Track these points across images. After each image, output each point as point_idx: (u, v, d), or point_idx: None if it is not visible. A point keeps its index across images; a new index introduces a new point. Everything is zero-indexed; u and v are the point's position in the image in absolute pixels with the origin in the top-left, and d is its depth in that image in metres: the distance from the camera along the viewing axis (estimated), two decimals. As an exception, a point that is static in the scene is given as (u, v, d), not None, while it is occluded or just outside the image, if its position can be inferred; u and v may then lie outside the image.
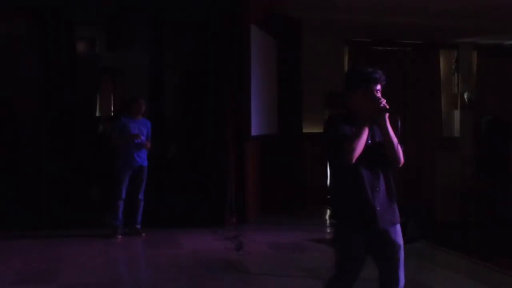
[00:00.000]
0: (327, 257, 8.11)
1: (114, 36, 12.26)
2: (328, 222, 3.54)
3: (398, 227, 4.14)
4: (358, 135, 3.91)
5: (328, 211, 3.91)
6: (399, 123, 3.96)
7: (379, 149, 4.02)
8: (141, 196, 9.04)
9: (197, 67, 10.30)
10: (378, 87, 4.08)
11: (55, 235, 8.99)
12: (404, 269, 4.16)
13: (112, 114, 12.91)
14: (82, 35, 11.66)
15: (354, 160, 3.89)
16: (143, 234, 9.02)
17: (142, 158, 8.97)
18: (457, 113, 13.91)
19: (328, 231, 10.27)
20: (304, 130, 12.35)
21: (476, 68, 13.95)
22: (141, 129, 8.97)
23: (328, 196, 4.20)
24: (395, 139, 3.97)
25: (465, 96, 13.68)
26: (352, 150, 3.86)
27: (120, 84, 13.31)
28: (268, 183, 11.00)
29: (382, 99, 3.98)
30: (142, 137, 8.92)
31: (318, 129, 12.55)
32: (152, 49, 11.03)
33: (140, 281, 7.10)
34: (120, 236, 8.91)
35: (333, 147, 4.00)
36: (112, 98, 13.36)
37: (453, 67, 13.85)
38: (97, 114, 12.90)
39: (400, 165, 4.04)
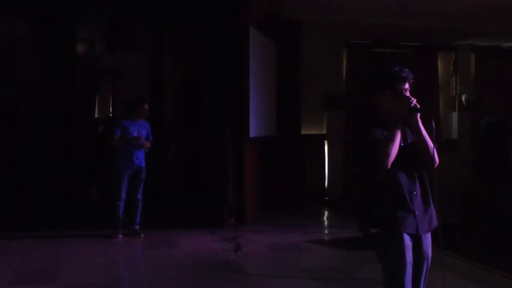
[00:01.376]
0: (326, 258, 8.20)
1: (114, 37, 12.27)
2: (359, 233, 3.41)
3: (429, 235, 4.02)
4: (391, 138, 3.79)
5: (360, 222, 3.51)
6: (433, 123, 3.85)
7: (412, 151, 3.91)
8: (139, 197, 9.08)
9: (197, 69, 10.35)
10: (406, 86, 3.92)
11: (55, 235, 9.03)
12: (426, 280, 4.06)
13: (111, 115, 12.94)
14: (82, 36, 11.67)
15: (390, 164, 3.75)
16: (142, 235, 9.05)
17: (140, 159, 9.03)
18: (455, 115, 13.96)
19: (326, 232, 10.33)
20: (303, 132, 12.39)
21: (474, 70, 14.00)
22: (140, 131, 9.02)
23: (361, 205, 3.82)
24: (429, 139, 3.87)
25: (463, 98, 13.74)
26: (388, 154, 3.73)
27: (120, 85, 13.34)
28: (266, 184, 11.04)
29: (413, 99, 3.83)
30: (141, 138, 8.99)
31: (316, 131, 12.65)
32: (151, 50, 11.06)
33: (140, 281, 7.13)
34: (121, 236, 8.96)
35: (368, 153, 3.84)
36: (111, 99, 13.38)
37: (451, 69, 13.90)
38: (97, 115, 12.92)
39: (435, 166, 3.92)
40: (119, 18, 11.40)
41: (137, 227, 9.10)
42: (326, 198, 12.72)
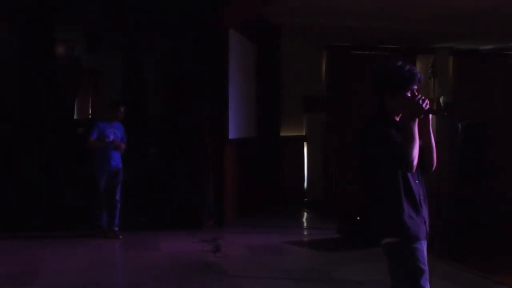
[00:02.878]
0: (305, 259, 8.24)
1: (93, 39, 12.23)
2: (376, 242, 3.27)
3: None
4: (413, 139, 3.58)
5: (373, 232, 3.33)
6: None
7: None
8: (117, 198, 9.09)
9: (176, 71, 10.34)
10: (415, 86, 3.77)
11: (33, 237, 8.98)
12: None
13: (90, 116, 12.88)
14: (61, 37, 11.62)
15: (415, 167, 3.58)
16: (120, 237, 9.04)
17: (117, 161, 9.07)
18: (433, 118, 14.02)
19: (306, 233, 10.37)
20: (282, 133, 12.44)
21: (452, 73, 14.11)
22: (116, 133, 9.07)
23: (372, 212, 3.54)
24: (433, 142, 3.78)
25: (441, 101, 13.83)
26: (414, 157, 3.54)
27: (99, 87, 13.28)
28: (246, 186, 11.06)
29: (426, 100, 3.66)
30: (117, 141, 9.04)
31: (296, 133, 12.69)
32: (131, 53, 11.05)
33: (119, 284, 7.13)
34: (104, 236, 8.99)
35: (387, 155, 3.63)
36: (91, 101, 13.31)
37: (430, 71, 13.95)
38: (76, 116, 12.86)
39: (433, 170, 3.82)
40: (99, 20, 11.37)
41: (116, 228, 9.09)
42: (306, 199, 12.77)
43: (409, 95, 3.71)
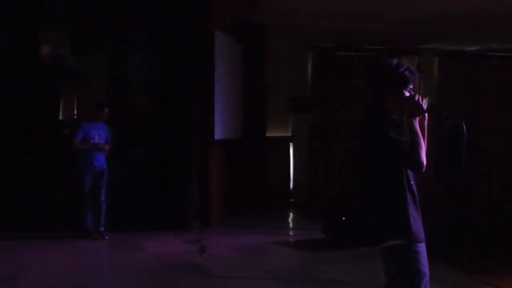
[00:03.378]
0: (290, 260, 8.26)
1: (79, 39, 12.20)
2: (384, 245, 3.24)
3: None
4: (419, 139, 3.58)
5: (378, 234, 3.31)
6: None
7: None
8: (103, 198, 9.10)
9: (163, 71, 10.33)
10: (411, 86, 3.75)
11: (17, 238, 8.94)
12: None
13: (75, 117, 12.83)
14: (46, 38, 11.59)
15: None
16: (106, 237, 9.03)
17: (101, 161, 9.09)
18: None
19: (291, 233, 10.39)
20: (268, 134, 12.45)
21: (437, 74, 14.18)
22: (100, 133, 9.10)
23: (374, 214, 3.69)
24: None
25: (426, 101, 13.89)
26: (423, 156, 3.53)
27: (85, 88, 13.23)
28: (232, 187, 11.06)
29: (424, 99, 3.67)
30: (101, 141, 9.06)
31: (282, 133, 12.71)
32: (117, 54, 11.04)
33: (104, 285, 7.10)
34: (87, 237, 8.98)
35: (397, 156, 3.59)
36: (76, 102, 13.27)
37: (415, 72, 14.04)
38: (61, 117, 12.81)
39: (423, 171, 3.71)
40: (85, 20, 11.34)
41: (102, 228, 9.08)
42: (291, 200, 12.78)
43: (407, 94, 3.70)
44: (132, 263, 7.71)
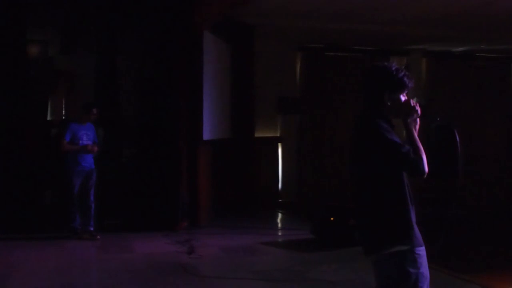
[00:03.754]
0: (279, 260, 8.27)
1: (67, 39, 12.18)
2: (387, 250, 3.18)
3: None
4: (419, 143, 3.56)
5: (380, 240, 3.52)
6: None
7: None
8: (92, 199, 9.10)
9: (151, 71, 10.33)
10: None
11: (6, 239, 8.90)
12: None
13: (64, 117, 12.81)
14: (34, 38, 11.57)
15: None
16: (98, 237, 9.04)
17: (89, 162, 9.12)
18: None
19: (280, 234, 10.40)
20: (257, 134, 12.46)
21: (425, 74, 14.23)
22: (88, 134, 9.12)
23: (374, 219, 3.56)
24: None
25: (414, 101, 13.94)
26: (424, 160, 3.50)
27: (73, 88, 13.22)
28: (221, 187, 11.07)
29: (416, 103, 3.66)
30: (89, 142, 9.07)
31: (270, 134, 12.72)
32: (105, 53, 11.01)
33: (92, 285, 7.09)
34: (76, 238, 8.97)
35: (402, 160, 3.49)
36: (64, 102, 13.26)
37: (403, 73, 14.07)
38: (50, 117, 12.79)
39: None
40: (72, 20, 11.32)
41: (92, 228, 9.09)
42: (280, 200, 12.79)
43: (403, 97, 3.67)
44: (121, 264, 7.70)
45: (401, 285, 3.54)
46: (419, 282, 3.52)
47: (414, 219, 3.56)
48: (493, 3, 9.44)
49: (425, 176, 3.51)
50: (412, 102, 3.66)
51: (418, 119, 3.69)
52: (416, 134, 3.61)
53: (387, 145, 3.50)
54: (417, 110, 3.63)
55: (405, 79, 3.66)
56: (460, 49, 14.21)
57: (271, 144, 12.87)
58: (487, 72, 14.53)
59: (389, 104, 3.64)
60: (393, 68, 3.67)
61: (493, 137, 14.40)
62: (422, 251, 3.56)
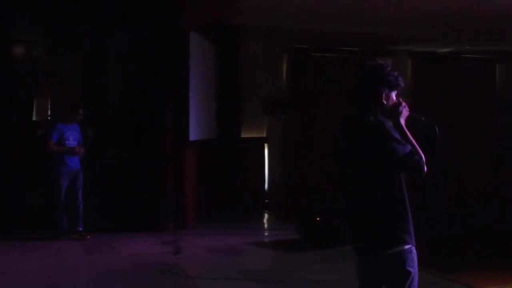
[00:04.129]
0: (265, 260, 8.29)
1: (53, 40, 12.13)
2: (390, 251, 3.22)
3: None
4: (414, 142, 3.58)
5: (385, 241, 3.51)
6: None
7: None
8: (80, 199, 9.11)
9: (137, 73, 10.32)
10: None
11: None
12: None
13: (49, 118, 12.76)
14: (20, 38, 11.51)
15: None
16: (88, 237, 9.06)
17: (75, 162, 9.14)
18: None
19: (266, 234, 10.42)
20: (243, 135, 12.46)
21: (411, 75, 14.28)
22: (74, 134, 9.14)
23: (377, 221, 3.53)
24: None
25: (402, 101, 13.97)
26: (424, 160, 3.53)
27: (59, 88, 13.17)
28: (207, 188, 11.06)
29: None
30: (75, 142, 9.09)
31: (256, 134, 12.72)
32: (91, 54, 11.00)
33: (77, 287, 7.08)
34: (63, 238, 8.98)
35: (408, 161, 3.49)
36: (49, 102, 13.20)
37: (389, 73, 14.10)
38: (35, 118, 12.74)
39: None
40: (59, 20, 11.28)
41: (81, 228, 9.12)
42: (266, 201, 12.80)
43: (394, 97, 3.68)
44: (106, 265, 7.69)
45: (400, 285, 3.56)
46: (414, 281, 3.57)
47: (410, 219, 3.57)
48: (477, 5, 9.50)
49: (424, 174, 3.51)
50: (402, 101, 3.67)
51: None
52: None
53: (394, 146, 3.49)
54: (407, 110, 3.66)
55: (400, 78, 3.67)
56: (445, 50, 14.27)
57: (258, 145, 12.86)
58: (472, 73, 14.61)
59: (385, 103, 3.64)
60: (388, 68, 3.67)
61: (478, 137, 14.49)
62: (414, 249, 3.59)
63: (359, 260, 3.75)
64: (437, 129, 3.78)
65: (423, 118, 3.78)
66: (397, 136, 3.51)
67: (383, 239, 3.54)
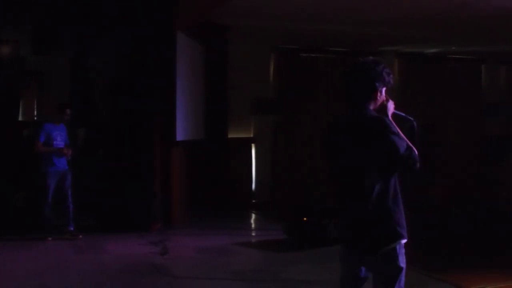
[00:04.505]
0: (253, 260, 8.29)
1: (39, 39, 12.08)
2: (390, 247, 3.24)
3: None
4: (405, 137, 3.58)
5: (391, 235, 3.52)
6: None
7: None
8: (70, 199, 9.10)
9: (124, 73, 10.29)
10: None
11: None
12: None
13: (36, 118, 12.71)
14: (5, 37, 11.46)
15: None
16: (80, 236, 9.06)
17: (63, 163, 9.11)
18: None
19: (254, 234, 10.42)
20: (230, 135, 12.46)
21: (398, 75, 14.32)
22: (62, 135, 9.12)
23: (374, 218, 3.51)
24: None
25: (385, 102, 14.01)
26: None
27: (45, 88, 13.12)
28: (194, 188, 11.04)
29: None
30: (62, 142, 9.07)
31: (244, 134, 12.73)
32: (78, 54, 10.96)
33: (64, 287, 7.05)
34: (50, 239, 8.96)
35: (408, 156, 3.52)
36: (35, 103, 13.15)
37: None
38: (21, 118, 12.68)
39: None
40: (45, 20, 11.24)
41: (72, 228, 9.11)
42: (253, 201, 12.80)
43: (384, 93, 3.70)
44: (94, 265, 7.66)
45: (392, 280, 3.59)
46: (403, 276, 3.60)
47: (403, 213, 3.60)
48: (464, 7, 9.54)
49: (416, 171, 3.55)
50: (389, 99, 3.70)
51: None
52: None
53: (397, 141, 3.50)
54: (393, 107, 3.70)
55: (391, 75, 3.70)
56: (432, 50, 14.33)
57: (245, 145, 12.87)
58: (459, 73, 14.69)
59: (378, 99, 3.66)
60: (383, 64, 3.69)
61: (464, 137, 14.56)
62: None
63: (350, 257, 3.75)
64: (416, 128, 3.77)
65: (411, 119, 3.80)
66: (397, 131, 3.52)
67: (382, 236, 3.55)
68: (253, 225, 11.37)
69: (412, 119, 3.80)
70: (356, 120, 3.65)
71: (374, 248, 3.56)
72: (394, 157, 3.50)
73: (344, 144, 3.69)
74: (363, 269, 3.75)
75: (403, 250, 3.59)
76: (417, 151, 3.54)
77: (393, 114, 3.74)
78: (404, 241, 3.58)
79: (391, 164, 3.55)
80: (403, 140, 3.51)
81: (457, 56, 14.78)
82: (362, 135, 3.58)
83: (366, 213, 3.56)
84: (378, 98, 3.66)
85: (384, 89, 3.68)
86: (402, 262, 3.58)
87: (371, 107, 3.65)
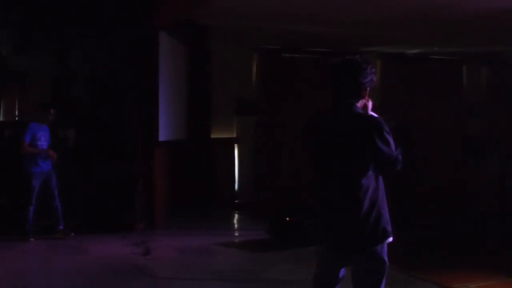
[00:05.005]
0: (235, 260, 8.29)
1: (20, 39, 11.99)
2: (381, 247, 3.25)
3: None
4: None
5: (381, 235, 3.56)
6: None
7: None
8: (57, 199, 9.12)
9: (106, 73, 10.26)
10: None
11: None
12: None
13: (17, 118, 12.61)
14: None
15: None
16: (72, 234, 9.11)
17: (47, 163, 9.07)
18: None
19: (236, 234, 10.42)
20: (213, 135, 12.47)
21: (379, 76, 14.39)
22: (45, 135, 9.09)
23: (364, 219, 3.52)
24: None
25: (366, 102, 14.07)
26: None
27: (26, 88, 13.03)
28: (177, 188, 11.03)
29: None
30: (45, 143, 9.05)
31: (226, 134, 12.73)
32: (60, 54, 10.90)
33: (46, 289, 7.02)
34: (32, 240, 8.91)
35: (397, 157, 3.60)
36: (17, 102, 13.05)
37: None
38: (2, 118, 12.58)
39: None
40: (27, 19, 11.16)
41: (61, 227, 9.13)
42: (236, 201, 12.81)
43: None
44: (75, 266, 7.63)
45: (378, 277, 3.64)
46: (386, 269, 3.66)
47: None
48: (445, 8, 9.60)
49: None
50: (369, 98, 3.73)
51: None
52: None
53: (389, 139, 3.54)
54: (372, 106, 3.75)
55: (374, 74, 3.73)
56: (414, 51, 14.42)
57: (228, 145, 12.88)
58: (440, 74, 14.78)
59: (364, 98, 3.69)
60: (370, 63, 3.73)
61: (446, 138, 14.65)
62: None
63: (332, 258, 3.78)
64: (395, 125, 3.85)
65: (394, 123, 3.83)
66: (389, 129, 3.55)
67: (373, 235, 3.57)
68: (236, 225, 11.37)
69: (402, 124, 3.86)
70: (347, 119, 3.66)
71: (364, 248, 3.58)
72: (389, 156, 3.54)
73: (335, 144, 3.67)
74: (342, 269, 3.77)
75: (386, 247, 3.63)
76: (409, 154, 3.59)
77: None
78: (390, 239, 3.63)
79: (384, 163, 3.57)
80: (392, 139, 3.55)
81: (439, 57, 14.88)
82: (356, 134, 3.58)
83: (360, 213, 3.56)
84: (366, 97, 3.69)
85: (368, 88, 3.70)
86: (387, 257, 3.63)
87: (359, 105, 3.67)
